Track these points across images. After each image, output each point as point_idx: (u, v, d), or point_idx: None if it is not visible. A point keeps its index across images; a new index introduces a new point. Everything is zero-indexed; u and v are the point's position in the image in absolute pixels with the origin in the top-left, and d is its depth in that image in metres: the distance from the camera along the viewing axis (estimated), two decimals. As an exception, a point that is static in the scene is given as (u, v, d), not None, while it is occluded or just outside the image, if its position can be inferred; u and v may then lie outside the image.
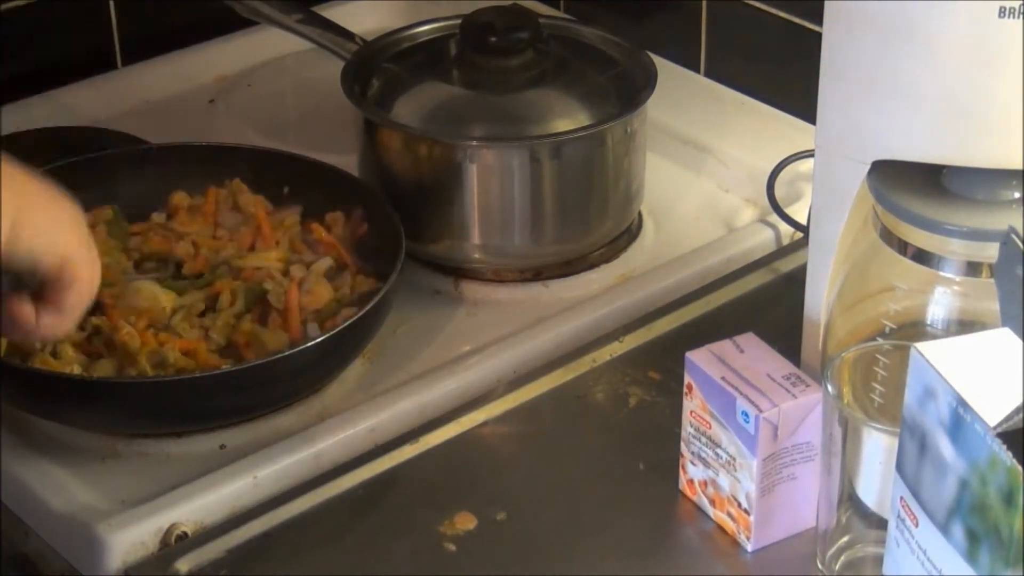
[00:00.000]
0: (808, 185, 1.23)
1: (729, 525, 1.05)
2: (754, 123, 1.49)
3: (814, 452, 1.01)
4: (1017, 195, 0.99)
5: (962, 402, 0.79)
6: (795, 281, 1.16)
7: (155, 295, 1.19)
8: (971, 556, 0.81)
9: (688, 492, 1.07)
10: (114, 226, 1.26)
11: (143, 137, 1.41)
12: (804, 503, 1.03)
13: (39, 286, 0.98)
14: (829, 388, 0.95)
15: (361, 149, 1.33)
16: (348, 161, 1.32)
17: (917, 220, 0.99)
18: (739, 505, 1.03)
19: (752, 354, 1.04)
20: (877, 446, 0.94)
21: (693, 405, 1.04)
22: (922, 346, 0.84)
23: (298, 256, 1.25)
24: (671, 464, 1.08)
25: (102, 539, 1.05)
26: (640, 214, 1.38)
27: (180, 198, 1.30)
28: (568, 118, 1.29)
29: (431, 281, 1.31)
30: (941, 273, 0.99)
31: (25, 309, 0.99)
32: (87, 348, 1.16)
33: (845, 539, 0.99)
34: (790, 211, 1.33)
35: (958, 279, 0.99)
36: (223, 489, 1.08)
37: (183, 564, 1.03)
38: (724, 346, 1.04)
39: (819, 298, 1.08)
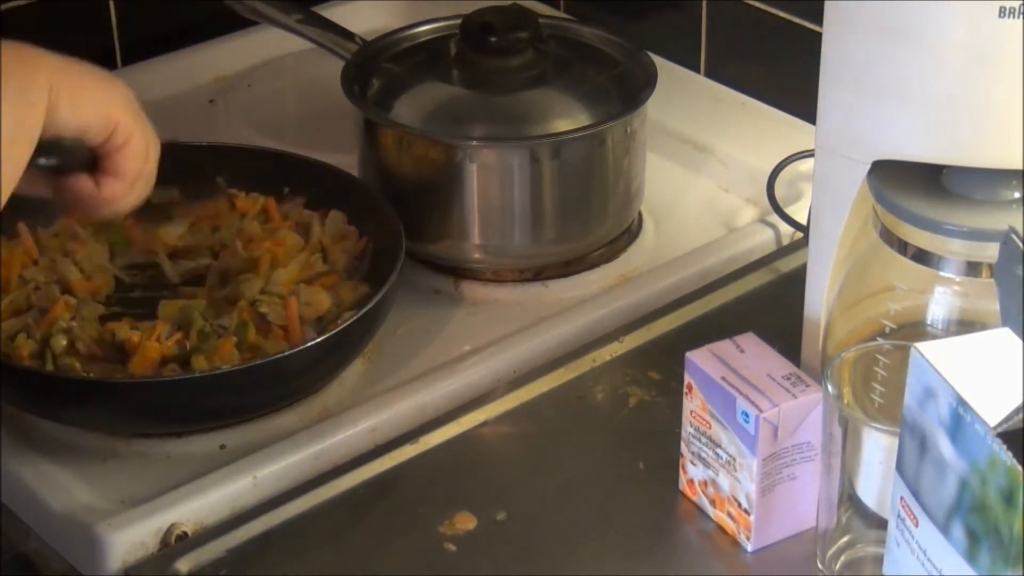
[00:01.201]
0: (808, 185, 1.23)
1: (729, 525, 1.05)
2: (754, 123, 1.49)
3: (814, 452, 1.01)
4: (1017, 195, 0.99)
5: (962, 402, 0.79)
6: (795, 281, 1.16)
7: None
8: (971, 556, 0.81)
9: (688, 492, 1.07)
10: (109, 229, 1.26)
11: (143, 137, 1.41)
12: (804, 503, 1.03)
13: (92, 158, 0.96)
14: (829, 388, 0.95)
15: (361, 149, 1.33)
16: (348, 161, 1.32)
17: (917, 220, 0.99)
18: (739, 505, 1.03)
19: (752, 354, 1.04)
20: (877, 446, 0.94)
21: (693, 405, 1.04)
22: (922, 346, 0.84)
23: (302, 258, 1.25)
24: (671, 464, 1.08)
25: (102, 539, 1.05)
26: (640, 214, 1.38)
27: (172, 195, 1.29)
28: (568, 118, 1.29)
29: (431, 281, 1.31)
30: (941, 273, 0.99)
31: (84, 181, 0.97)
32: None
33: (845, 539, 0.99)
34: (790, 211, 1.33)
35: (958, 279, 0.99)
36: (223, 489, 1.08)
37: (183, 564, 1.03)
38: (724, 346, 1.04)
39: (819, 298, 1.08)
